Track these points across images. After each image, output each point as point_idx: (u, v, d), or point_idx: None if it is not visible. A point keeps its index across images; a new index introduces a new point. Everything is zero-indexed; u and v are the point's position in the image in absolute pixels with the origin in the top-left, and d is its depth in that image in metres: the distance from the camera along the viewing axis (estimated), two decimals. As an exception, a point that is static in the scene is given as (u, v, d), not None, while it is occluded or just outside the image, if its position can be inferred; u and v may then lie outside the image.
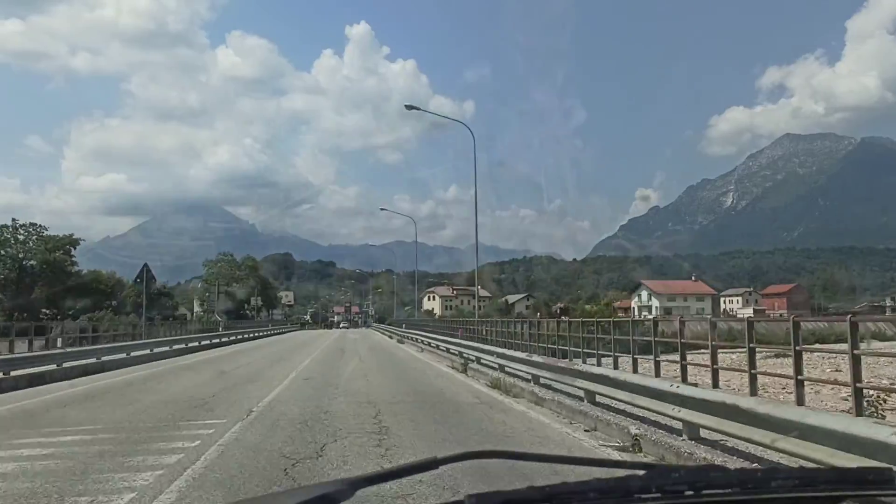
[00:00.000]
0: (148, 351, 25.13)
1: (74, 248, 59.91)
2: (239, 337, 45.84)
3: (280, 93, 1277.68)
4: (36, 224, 60.02)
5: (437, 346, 25.62)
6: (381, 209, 65.29)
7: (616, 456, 6.85)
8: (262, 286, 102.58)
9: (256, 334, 53.77)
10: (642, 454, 6.89)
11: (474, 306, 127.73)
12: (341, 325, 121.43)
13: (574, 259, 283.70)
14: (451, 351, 21.93)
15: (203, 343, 34.11)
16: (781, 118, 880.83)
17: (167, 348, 27.57)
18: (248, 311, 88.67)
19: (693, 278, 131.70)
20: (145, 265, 28.63)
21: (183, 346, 30.24)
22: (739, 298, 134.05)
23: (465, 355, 18.90)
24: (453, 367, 18.34)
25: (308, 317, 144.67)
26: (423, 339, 31.91)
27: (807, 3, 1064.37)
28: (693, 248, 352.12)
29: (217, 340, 38.58)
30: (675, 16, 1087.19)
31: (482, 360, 16.97)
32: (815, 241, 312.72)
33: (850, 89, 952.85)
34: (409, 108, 32.20)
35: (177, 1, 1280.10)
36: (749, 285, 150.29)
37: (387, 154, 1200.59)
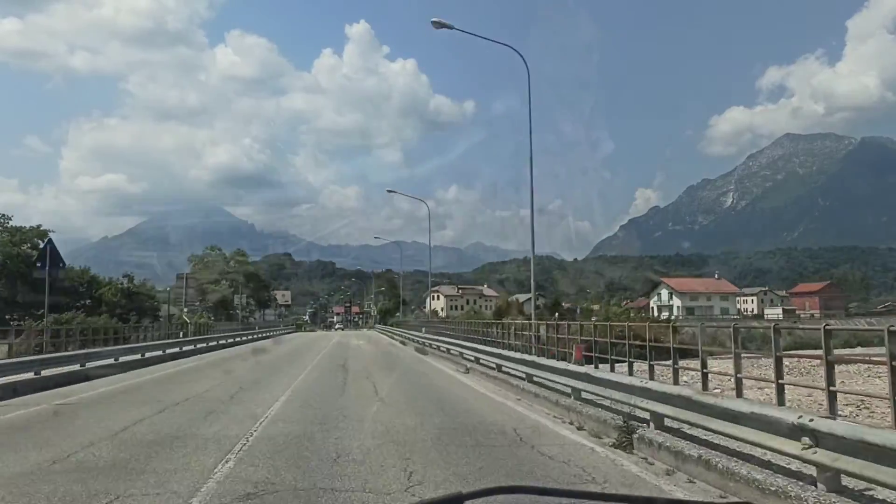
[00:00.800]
0: (31, 375, 15.56)
1: (42, 241, 53.75)
2: (212, 344, 36.03)
3: (280, 92, 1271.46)
4: None
5: (498, 367, 15.76)
6: (389, 191, 56.75)
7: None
8: (253, 283, 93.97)
9: (235, 340, 43.80)
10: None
11: (481, 306, 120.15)
12: (336, 327, 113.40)
13: (575, 259, 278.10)
14: (540, 381, 12.33)
15: (150, 356, 24.42)
16: (781, 118, 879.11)
17: (77, 367, 17.93)
18: (236, 311, 79.51)
19: (716, 276, 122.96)
20: (48, 241, 19.23)
21: (111, 361, 20.60)
22: (754, 298, 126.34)
23: (607, 403, 9.34)
24: (576, 427, 8.85)
25: (307, 317, 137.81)
26: (457, 349, 22.37)
27: (807, 2, 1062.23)
28: (694, 248, 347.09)
29: (178, 350, 28.81)
30: (675, 17, 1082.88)
31: (682, 424, 7.38)
32: (815, 242, 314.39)
33: (850, 89, 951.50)
34: (438, 25, 22.71)
35: (175, 0, 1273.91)
36: (755, 285, 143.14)
37: (387, 154, 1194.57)
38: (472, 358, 18.77)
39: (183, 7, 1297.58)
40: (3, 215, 52.76)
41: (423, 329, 34.88)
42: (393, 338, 48.88)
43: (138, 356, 23.12)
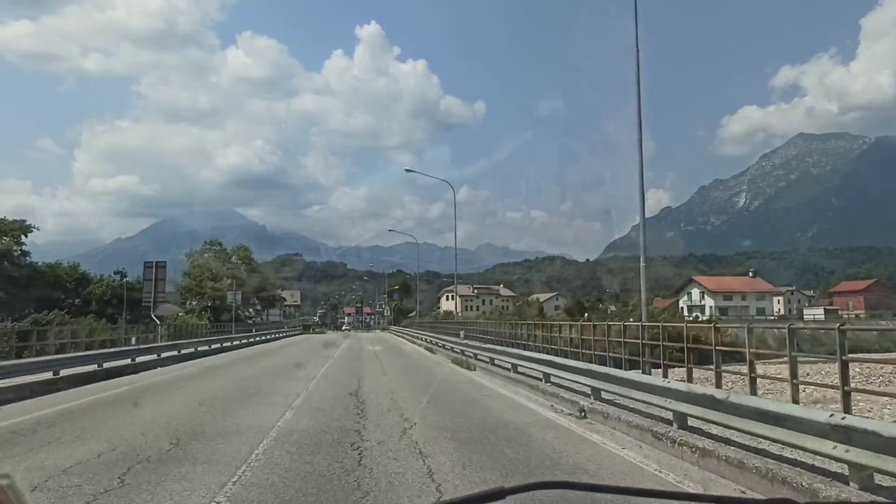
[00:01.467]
0: None
1: (26, 236, 50.29)
2: (186, 352, 28.47)
3: (290, 94, 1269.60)
4: None
5: (679, 421, 7.49)
6: (407, 170, 51.38)
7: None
8: (258, 282, 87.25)
9: (223, 346, 35.86)
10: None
11: (496, 307, 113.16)
12: (344, 329, 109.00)
13: (587, 259, 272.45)
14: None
15: (85, 370, 16.76)
16: (795, 117, 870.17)
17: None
18: (239, 311, 72.66)
19: (751, 274, 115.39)
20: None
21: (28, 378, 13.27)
22: (781, 298, 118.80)
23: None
24: None
25: (317, 318, 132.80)
26: (534, 368, 14.92)
27: (820, 1, 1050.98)
28: (706, 248, 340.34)
29: (129, 361, 20.92)
30: (686, 16, 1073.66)
31: None
32: (829, 242, 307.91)
33: (864, 88, 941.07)
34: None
35: (187, 2, 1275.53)
36: (777, 285, 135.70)
37: (397, 155, 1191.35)
38: (588, 389, 11.07)
39: (194, 9, 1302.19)
40: None
41: (462, 334, 27.08)
42: (414, 342, 41.59)
43: (78, 373, 15.91)
